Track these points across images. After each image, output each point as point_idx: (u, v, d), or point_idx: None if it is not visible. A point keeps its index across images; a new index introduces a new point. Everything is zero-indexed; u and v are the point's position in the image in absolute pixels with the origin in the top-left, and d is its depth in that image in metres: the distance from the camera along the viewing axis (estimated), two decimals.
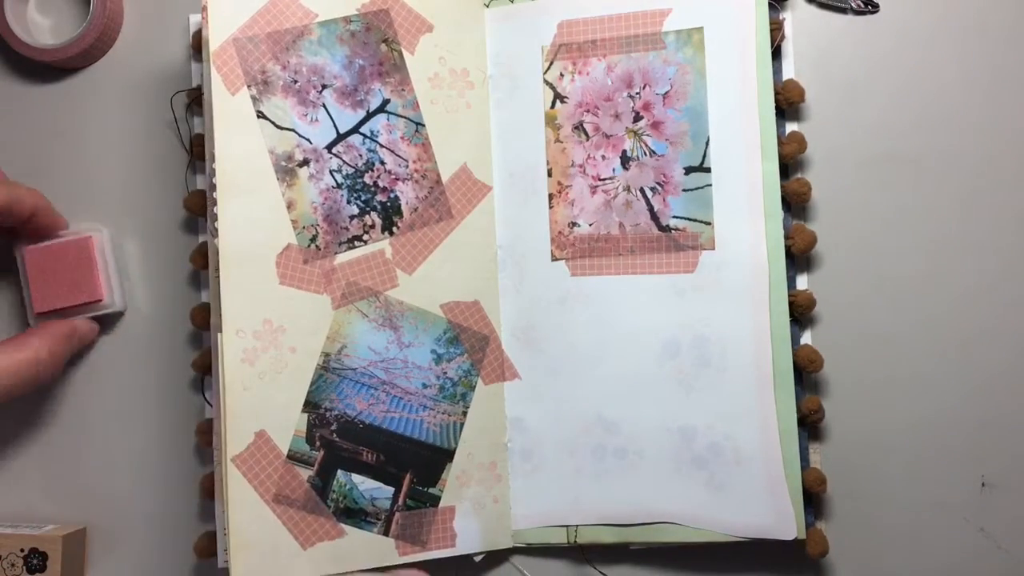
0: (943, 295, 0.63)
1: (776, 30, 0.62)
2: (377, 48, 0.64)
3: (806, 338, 0.63)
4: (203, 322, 0.66)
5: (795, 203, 0.63)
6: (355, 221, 0.63)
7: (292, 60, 0.62)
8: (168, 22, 0.70)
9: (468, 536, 0.63)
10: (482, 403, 0.64)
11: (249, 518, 0.59)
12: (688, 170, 0.63)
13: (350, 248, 0.62)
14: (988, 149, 0.63)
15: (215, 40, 0.60)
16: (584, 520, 0.64)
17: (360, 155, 0.63)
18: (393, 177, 0.64)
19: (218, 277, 0.60)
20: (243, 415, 0.59)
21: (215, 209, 0.60)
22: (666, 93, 0.63)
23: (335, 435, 0.62)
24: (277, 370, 0.60)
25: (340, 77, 0.63)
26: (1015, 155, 0.63)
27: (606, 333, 0.63)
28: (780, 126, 0.63)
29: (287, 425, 0.61)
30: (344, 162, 0.63)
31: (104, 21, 0.68)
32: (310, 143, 0.62)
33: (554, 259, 0.65)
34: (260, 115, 0.61)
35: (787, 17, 0.64)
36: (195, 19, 0.69)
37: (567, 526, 0.64)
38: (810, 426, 0.62)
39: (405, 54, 0.64)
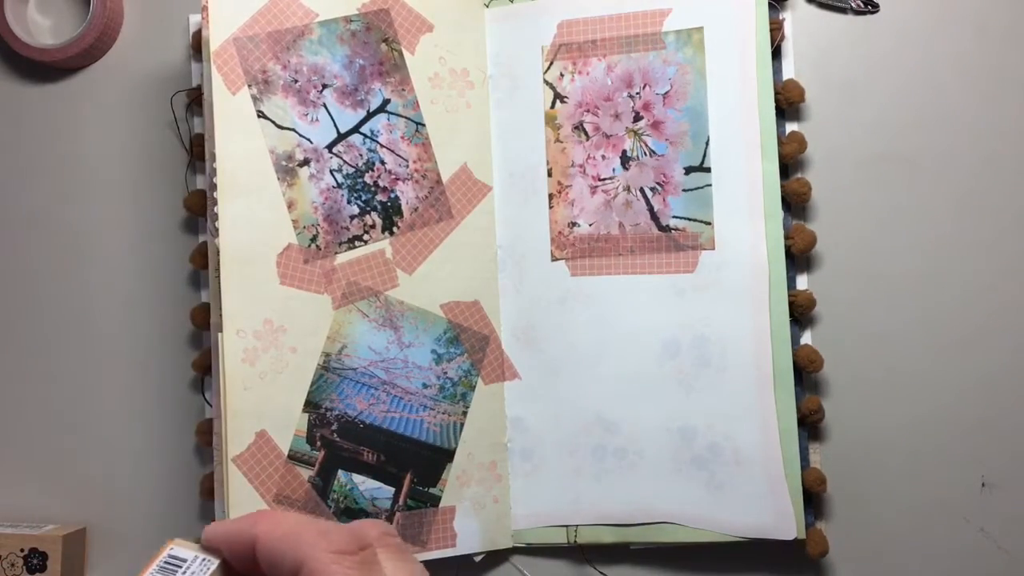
0: (943, 295, 0.63)
1: (776, 30, 0.62)
2: (377, 48, 0.64)
3: (806, 338, 0.63)
4: (203, 322, 0.66)
5: (795, 203, 0.63)
6: (355, 221, 0.63)
7: (293, 60, 0.62)
8: (168, 22, 0.70)
9: (468, 536, 0.63)
10: (482, 403, 0.64)
11: None
12: (688, 170, 0.63)
13: (350, 248, 0.62)
14: (988, 149, 0.63)
15: (215, 40, 0.60)
16: (584, 520, 0.64)
17: (360, 155, 0.63)
18: (393, 177, 0.64)
19: (218, 277, 0.60)
20: (244, 415, 0.59)
21: (215, 209, 0.60)
22: (666, 93, 0.63)
23: (336, 435, 0.62)
24: (278, 370, 0.60)
25: (340, 77, 0.63)
26: (1015, 155, 0.63)
27: (606, 333, 0.63)
28: (780, 126, 0.63)
29: (288, 425, 0.61)
30: (344, 162, 0.63)
31: (104, 21, 0.68)
32: (310, 143, 0.62)
33: (554, 259, 0.65)
34: (261, 115, 0.61)
35: (787, 17, 0.64)
36: (195, 19, 0.69)
37: (567, 526, 0.64)
38: (810, 426, 0.62)
39: (405, 54, 0.64)
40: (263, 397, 0.60)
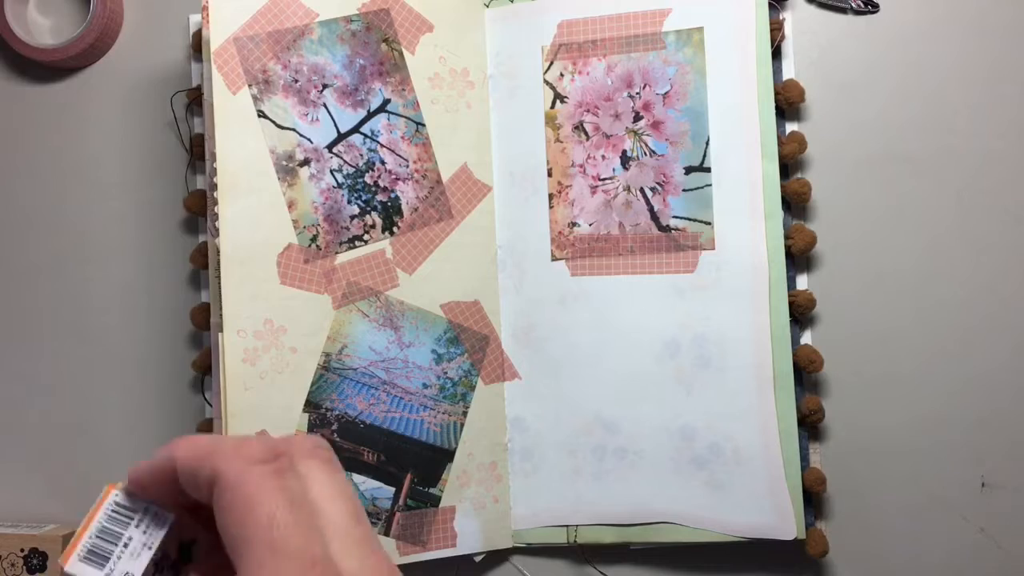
0: (943, 295, 0.63)
1: (776, 30, 0.62)
2: (377, 48, 0.64)
3: (806, 338, 0.63)
4: (203, 322, 0.66)
5: (795, 203, 0.63)
6: (356, 221, 0.63)
7: (293, 59, 0.62)
8: (168, 22, 0.70)
9: (468, 536, 0.63)
10: (482, 403, 0.64)
11: None
12: (688, 170, 0.63)
13: (351, 248, 0.62)
14: (987, 149, 0.63)
15: (216, 39, 0.60)
16: (584, 520, 0.64)
17: (361, 155, 0.63)
18: (393, 177, 0.64)
19: (218, 277, 0.60)
20: (244, 415, 0.59)
21: (215, 209, 0.60)
22: (666, 93, 0.63)
23: (336, 435, 0.62)
24: (278, 370, 0.60)
25: (341, 77, 0.63)
26: (1014, 155, 0.63)
27: (606, 333, 0.63)
28: (780, 126, 0.63)
29: (288, 425, 0.61)
30: (345, 162, 0.63)
31: (104, 21, 0.68)
32: (311, 143, 0.62)
33: (554, 259, 0.65)
34: (261, 114, 0.61)
35: (787, 17, 0.64)
36: (195, 19, 0.69)
37: (567, 526, 0.64)
38: (810, 426, 0.62)
39: (405, 54, 0.64)
40: (263, 397, 0.60)
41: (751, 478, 0.61)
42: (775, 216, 0.61)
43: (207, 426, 0.65)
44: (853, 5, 0.65)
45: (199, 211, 0.66)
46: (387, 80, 0.64)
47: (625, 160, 0.64)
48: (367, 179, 0.63)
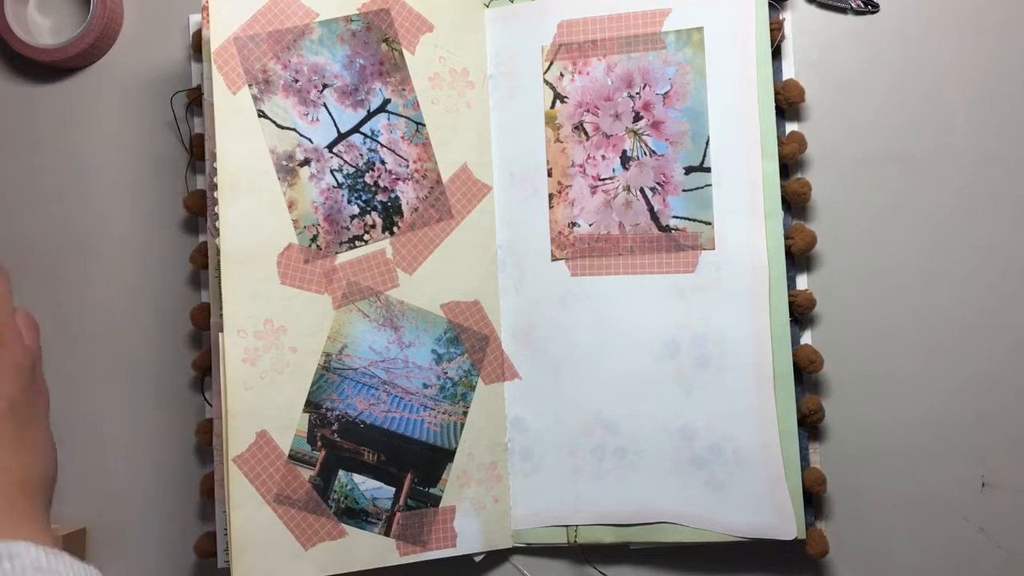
0: (942, 295, 0.63)
1: (776, 30, 0.62)
2: (378, 48, 0.64)
3: (806, 338, 0.64)
4: (203, 322, 0.66)
5: (795, 203, 0.63)
6: (356, 221, 0.63)
7: (293, 59, 0.62)
8: (168, 22, 0.70)
9: (468, 536, 0.63)
10: (482, 403, 0.64)
11: (250, 518, 0.59)
12: (688, 170, 0.63)
13: (351, 248, 0.62)
14: (987, 149, 0.63)
15: (216, 39, 0.60)
16: (584, 520, 0.64)
17: (361, 155, 0.63)
18: (394, 177, 0.64)
19: (218, 277, 0.60)
20: (244, 415, 0.59)
21: (215, 209, 0.60)
22: (666, 93, 0.63)
23: (336, 435, 0.62)
24: (278, 370, 0.60)
25: (341, 76, 0.63)
26: (1014, 155, 0.63)
27: (606, 333, 0.63)
28: (780, 126, 0.63)
29: (288, 425, 0.61)
30: (345, 162, 0.63)
31: (104, 21, 0.68)
32: (311, 142, 0.62)
33: (554, 259, 0.65)
34: (261, 114, 0.61)
35: (787, 17, 0.64)
36: (195, 19, 0.69)
37: (567, 526, 0.64)
38: (810, 426, 0.62)
39: (405, 54, 0.64)
40: (264, 397, 0.60)
41: (751, 478, 0.61)
42: (775, 216, 0.61)
43: (207, 426, 0.65)
44: (853, 5, 0.65)
45: (199, 211, 0.66)
46: (387, 80, 0.64)
47: (625, 160, 0.64)
48: (367, 179, 0.63)
